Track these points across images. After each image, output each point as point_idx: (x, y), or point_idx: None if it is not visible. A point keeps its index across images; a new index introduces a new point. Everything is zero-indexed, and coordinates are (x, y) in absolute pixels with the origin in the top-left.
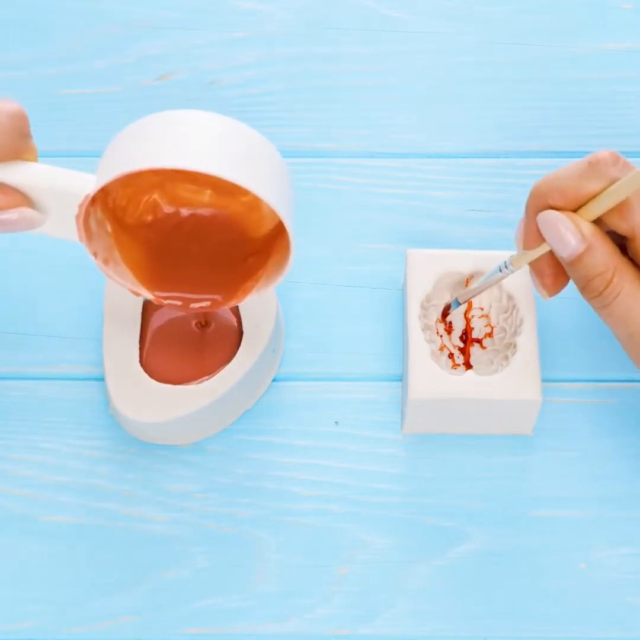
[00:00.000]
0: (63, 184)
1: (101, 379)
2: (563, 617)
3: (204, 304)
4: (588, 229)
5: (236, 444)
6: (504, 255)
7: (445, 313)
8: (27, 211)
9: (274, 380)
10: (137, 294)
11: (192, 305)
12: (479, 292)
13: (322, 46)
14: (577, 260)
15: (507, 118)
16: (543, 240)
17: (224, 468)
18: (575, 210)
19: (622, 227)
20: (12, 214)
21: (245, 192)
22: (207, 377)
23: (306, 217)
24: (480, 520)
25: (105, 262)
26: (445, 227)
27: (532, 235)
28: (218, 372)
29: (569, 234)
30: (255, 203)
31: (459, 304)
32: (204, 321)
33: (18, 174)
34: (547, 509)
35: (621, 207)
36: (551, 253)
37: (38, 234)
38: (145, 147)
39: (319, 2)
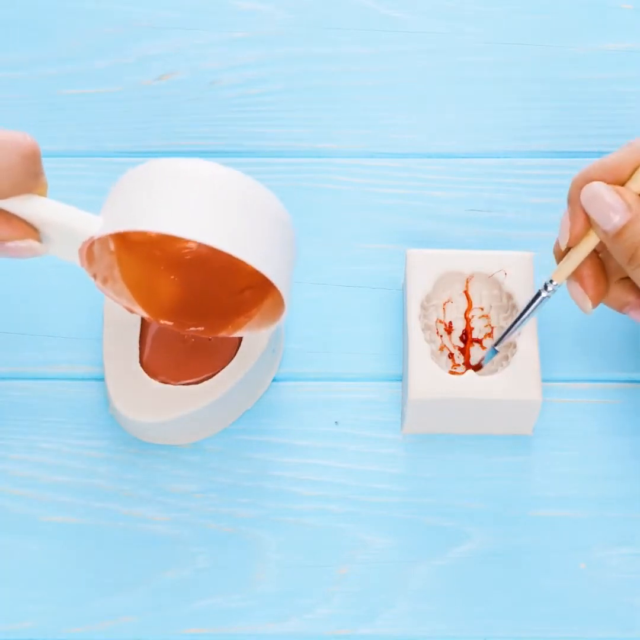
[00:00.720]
0: (69, 222)
1: (101, 379)
2: (563, 617)
3: (196, 328)
4: (632, 197)
5: (236, 444)
6: (505, 254)
7: (479, 366)
8: (34, 243)
9: (274, 380)
10: (132, 312)
11: (185, 328)
12: (517, 329)
13: (322, 46)
14: (623, 229)
15: (507, 118)
16: (590, 226)
17: (224, 468)
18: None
19: None
20: (20, 245)
21: None
22: (207, 377)
23: (306, 217)
24: (480, 520)
25: (104, 281)
26: (445, 227)
27: (579, 220)
28: (218, 372)
29: (615, 203)
30: None
31: (496, 352)
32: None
33: (28, 207)
34: (547, 509)
35: None
36: (590, 255)
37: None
38: (150, 206)
39: (319, 2)
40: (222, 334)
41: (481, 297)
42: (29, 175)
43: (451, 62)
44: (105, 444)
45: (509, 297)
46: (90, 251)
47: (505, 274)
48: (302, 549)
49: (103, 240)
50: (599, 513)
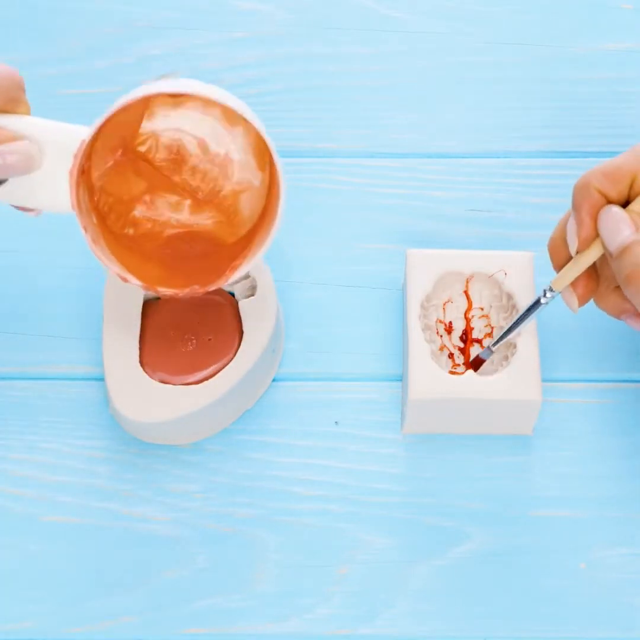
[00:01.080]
0: (59, 135)
1: (101, 378)
2: (563, 617)
3: (193, 288)
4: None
5: (236, 444)
6: (505, 254)
7: (477, 363)
8: (29, 145)
9: (274, 380)
10: (125, 280)
11: (182, 292)
12: (515, 332)
13: (322, 46)
14: (627, 248)
15: (507, 118)
16: (596, 233)
17: (224, 468)
18: (626, 197)
19: None
20: (16, 146)
21: (224, 196)
22: (207, 377)
23: (306, 217)
24: (480, 520)
25: (95, 242)
26: (445, 227)
27: (586, 228)
28: (218, 373)
29: (624, 224)
30: (234, 206)
31: (492, 352)
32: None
33: (15, 123)
34: (547, 509)
35: None
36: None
37: (32, 216)
38: (135, 91)
39: (319, 2)
40: (222, 282)
41: (481, 297)
42: (16, 85)
43: (451, 62)
44: (105, 444)
45: (509, 297)
46: (78, 191)
47: (505, 274)
48: (302, 549)
49: (87, 209)
50: (599, 513)
